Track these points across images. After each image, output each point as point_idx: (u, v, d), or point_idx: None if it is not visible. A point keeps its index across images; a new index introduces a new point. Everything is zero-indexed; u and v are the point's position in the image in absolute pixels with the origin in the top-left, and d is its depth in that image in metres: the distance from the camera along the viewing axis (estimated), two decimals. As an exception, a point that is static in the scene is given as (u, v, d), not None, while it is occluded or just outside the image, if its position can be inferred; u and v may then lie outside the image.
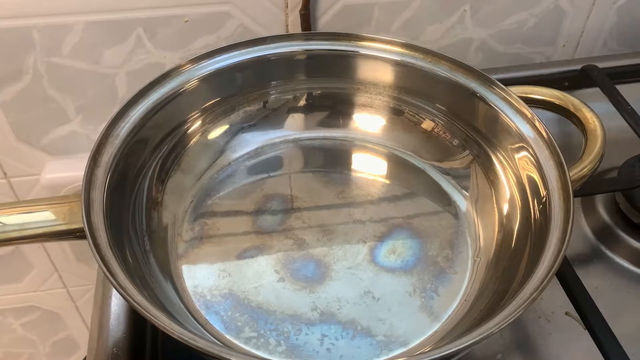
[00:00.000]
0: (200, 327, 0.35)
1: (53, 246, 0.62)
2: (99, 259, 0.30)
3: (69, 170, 0.54)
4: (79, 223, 0.32)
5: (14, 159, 0.54)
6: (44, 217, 0.33)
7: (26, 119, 0.51)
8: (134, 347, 0.35)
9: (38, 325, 0.71)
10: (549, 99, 0.43)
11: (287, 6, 0.49)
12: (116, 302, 0.37)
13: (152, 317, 0.28)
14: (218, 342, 0.34)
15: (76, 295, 0.69)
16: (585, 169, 0.38)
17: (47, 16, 0.45)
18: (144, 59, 0.50)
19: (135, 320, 0.36)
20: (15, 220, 0.33)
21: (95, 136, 0.36)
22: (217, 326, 0.35)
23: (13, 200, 0.57)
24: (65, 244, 0.62)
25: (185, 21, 0.48)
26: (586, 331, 0.36)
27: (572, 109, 0.42)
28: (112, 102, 0.52)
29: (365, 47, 0.44)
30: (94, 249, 0.31)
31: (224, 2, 0.48)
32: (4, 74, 0.48)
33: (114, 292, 0.37)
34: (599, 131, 0.40)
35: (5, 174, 0.55)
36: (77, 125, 0.53)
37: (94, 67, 0.49)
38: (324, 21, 0.51)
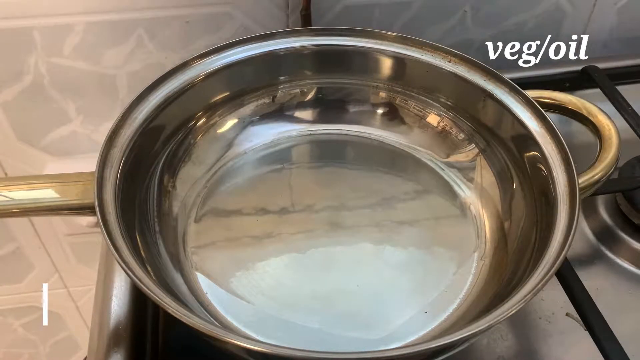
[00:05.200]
0: (203, 309, 0.36)
1: (54, 246, 0.62)
2: (106, 235, 0.30)
3: (70, 170, 0.53)
4: (91, 199, 0.33)
5: (15, 159, 0.54)
6: (57, 193, 0.34)
7: (27, 119, 0.51)
8: (134, 347, 0.36)
9: (38, 325, 0.72)
10: (563, 103, 0.42)
11: (288, 7, 0.49)
12: (117, 303, 0.37)
13: (151, 292, 0.28)
14: (216, 323, 0.35)
15: (77, 295, 0.69)
16: (598, 176, 0.38)
17: (48, 16, 0.45)
18: (144, 60, 0.50)
19: (136, 321, 0.36)
20: (29, 195, 0.34)
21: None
22: (219, 308, 0.36)
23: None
24: (65, 245, 0.62)
25: (187, 22, 0.48)
26: (587, 332, 0.36)
27: (585, 114, 0.41)
28: (113, 102, 0.52)
29: (372, 43, 0.44)
30: (101, 224, 0.31)
31: (224, 3, 0.48)
32: (5, 74, 0.48)
33: (115, 292, 0.37)
34: (614, 139, 0.39)
35: (6, 174, 0.55)
36: (78, 125, 0.53)
37: (95, 67, 0.49)
38: (325, 22, 0.51)
